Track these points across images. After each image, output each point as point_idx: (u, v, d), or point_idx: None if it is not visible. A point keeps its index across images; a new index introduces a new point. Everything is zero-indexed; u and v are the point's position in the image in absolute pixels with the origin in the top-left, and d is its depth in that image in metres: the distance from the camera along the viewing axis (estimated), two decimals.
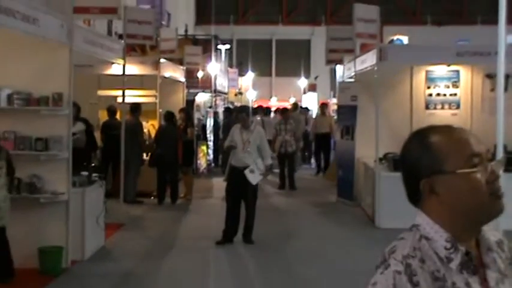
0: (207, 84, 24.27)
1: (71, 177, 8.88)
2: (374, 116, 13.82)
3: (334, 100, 30.68)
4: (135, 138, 13.62)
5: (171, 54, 15.86)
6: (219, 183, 18.12)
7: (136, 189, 14.06)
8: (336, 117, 25.41)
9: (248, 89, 40.77)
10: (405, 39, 21.01)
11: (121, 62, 11.96)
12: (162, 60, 15.41)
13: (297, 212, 13.99)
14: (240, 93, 37.81)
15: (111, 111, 14.42)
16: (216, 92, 26.12)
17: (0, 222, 7.46)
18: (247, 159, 10.45)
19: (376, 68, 11.96)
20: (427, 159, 1.94)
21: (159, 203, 14.29)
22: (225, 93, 30.03)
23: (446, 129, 2.01)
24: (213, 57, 25.56)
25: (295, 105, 26.18)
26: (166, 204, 14.28)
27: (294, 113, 22.70)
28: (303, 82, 45.43)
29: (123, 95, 12.03)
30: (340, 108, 14.97)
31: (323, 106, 22.19)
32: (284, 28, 51.27)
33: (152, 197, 14.71)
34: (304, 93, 43.15)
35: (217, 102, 26.30)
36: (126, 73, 12.65)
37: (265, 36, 51.37)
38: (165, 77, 15.71)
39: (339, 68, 27.51)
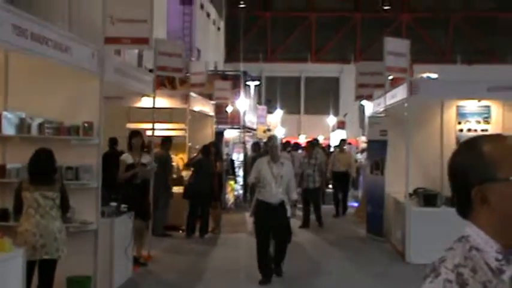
0: (235, 120, 24.33)
1: (100, 207, 8.88)
2: (404, 151, 13.74)
3: (363, 138, 30.62)
4: (165, 171, 13.64)
5: (200, 88, 15.97)
6: (246, 218, 18.11)
7: (165, 222, 14.02)
8: (358, 155, 25.36)
9: (276, 126, 40.85)
10: (434, 77, 20.98)
11: (151, 94, 12.03)
12: (191, 94, 15.49)
13: (326, 247, 13.83)
14: (269, 130, 37.88)
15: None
16: (245, 128, 26.19)
17: (56, 253, 7.38)
18: (281, 194, 9.99)
19: (406, 102, 11.87)
20: (479, 167, 1.88)
21: (187, 236, 14.23)
22: (254, 130, 30.09)
23: (497, 137, 1.96)
24: (242, 93, 25.69)
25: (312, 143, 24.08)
26: (194, 238, 14.21)
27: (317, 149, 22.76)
28: (331, 120, 45.39)
29: (153, 128, 12.06)
30: (370, 143, 14.87)
31: (342, 143, 20.79)
32: (313, 66, 51.49)
33: (181, 231, 14.66)
34: (333, 130, 43.06)
35: (246, 138, 26.33)
36: (155, 106, 12.77)
37: (294, 73, 51.54)
38: (194, 111, 15.76)
39: (368, 105, 27.65)
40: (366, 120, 27.95)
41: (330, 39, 52.07)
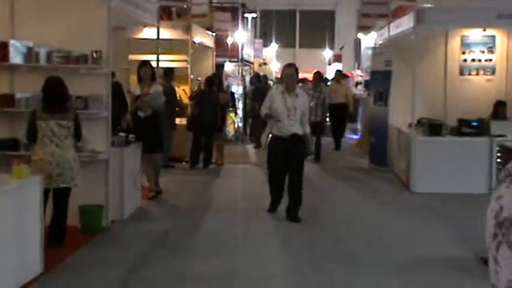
0: (234, 53, 24.16)
1: (110, 136, 8.86)
2: (407, 81, 13.67)
3: (359, 72, 30.48)
4: (169, 103, 13.56)
5: (201, 19, 15.75)
6: (248, 150, 18.18)
7: (169, 154, 14.04)
8: (356, 87, 25.13)
9: (272, 60, 40.59)
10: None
11: (153, 25, 11.89)
12: (193, 25, 15.31)
13: (330, 178, 13.90)
14: (265, 63, 37.70)
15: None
16: (243, 62, 26.03)
17: (72, 182, 7.38)
18: (294, 127, 9.29)
19: (412, 32, 11.75)
20: None
21: (191, 167, 14.29)
22: (251, 63, 29.93)
23: None
24: (240, 26, 25.44)
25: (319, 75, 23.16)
26: (198, 169, 14.28)
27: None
28: (327, 53, 45.17)
29: (158, 60, 11.94)
30: (373, 74, 14.80)
31: (338, 73, 20.15)
32: None
33: (184, 162, 14.70)
34: (329, 64, 42.88)
35: (243, 72, 26.20)
36: (154, 37, 12.65)
37: (289, 6, 50.97)
38: (194, 43, 15.59)
39: (369, 37, 27.32)
40: (362, 53, 27.92)
41: None
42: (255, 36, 35.82)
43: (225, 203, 10.95)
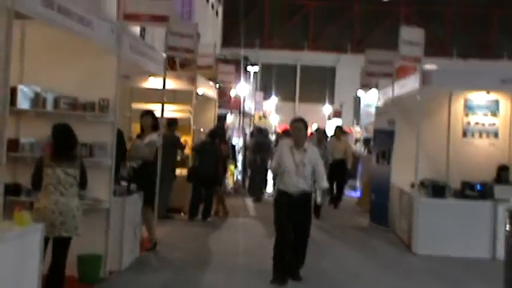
0: (235, 105, 24.22)
1: (112, 185, 8.76)
2: (410, 141, 13.66)
3: (358, 128, 30.56)
4: (171, 152, 13.51)
5: (207, 71, 15.79)
6: (247, 203, 18.04)
7: (168, 205, 13.91)
8: (355, 144, 25.13)
9: (271, 113, 40.71)
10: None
11: (158, 75, 11.88)
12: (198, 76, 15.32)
13: (330, 237, 13.73)
14: (264, 116, 37.80)
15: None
16: (244, 114, 26.08)
17: (75, 231, 7.23)
18: (302, 184, 8.97)
19: (419, 93, 11.76)
20: None
21: (190, 219, 14.14)
22: (251, 116, 30.00)
23: None
24: (243, 78, 25.57)
25: (324, 132, 18.71)
26: (197, 221, 14.13)
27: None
28: (327, 109, 45.39)
29: (162, 109, 11.91)
30: (377, 133, 14.78)
31: (338, 130, 19.48)
32: (309, 54, 51.34)
33: (183, 213, 14.57)
34: (329, 119, 43.03)
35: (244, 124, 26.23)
36: (158, 87, 12.60)
37: (290, 61, 51.39)
38: (198, 94, 15.59)
39: (369, 94, 27.45)
40: (362, 110, 28.04)
41: (327, 29, 51.95)
42: (256, 89, 35.98)
43: (225, 257, 10.78)
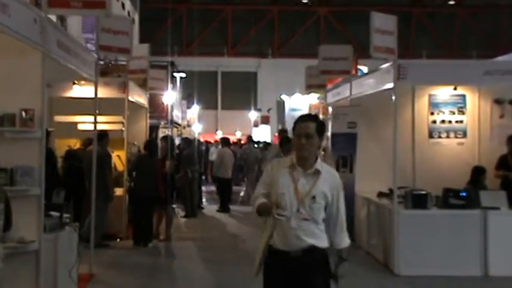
0: (163, 114, 22.31)
1: (43, 219, 6.86)
2: (372, 145, 12.38)
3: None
4: (102, 171, 11.62)
5: (141, 75, 13.82)
6: (180, 221, 16.12)
7: (104, 230, 11.99)
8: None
9: (194, 122, 39.03)
10: (365, 70, 19.54)
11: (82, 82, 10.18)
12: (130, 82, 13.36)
13: None
14: (189, 125, 36.12)
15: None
16: (173, 123, 24.25)
17: None
18: (307, 234, 4.92)
19: (393, 89, 10.20)
20: None
21: (135, 244, 12.31)
22: (179, 125, 28.19)
23: None
24: (170, 86, 23.64)
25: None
26: (140, 248, 12.27)
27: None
28: (253, 115, 43.97)
29: (95, 122, 10.05)
30: (335, 137, 13.20)
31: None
32: (230, 60, 50.11)
33: (118, 239, 12.68)
34: (256, 126, 41.58)
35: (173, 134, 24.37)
36: (84, 96, 11.38)
37: (210, 68, 49.99)
38: (131, 102, 13.66)
39: (293, 98, 26.21)
40: (287, 114, 26.71)
41: (247, 33, 50.72)
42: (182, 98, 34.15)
43: None
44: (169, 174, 13.18)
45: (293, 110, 26.28)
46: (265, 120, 39.47)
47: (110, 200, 12.05)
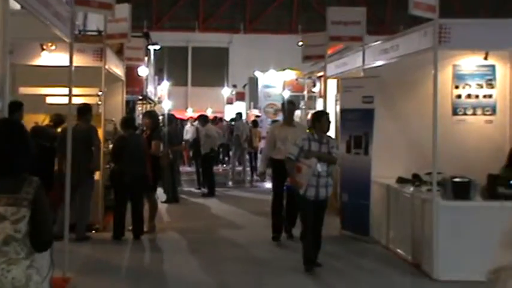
0: (137, 89, 20.46)
1: None
2: (391, 123, 10.89)
3: (255, 111, 27.81)
4: (89, 149, 9.88)
5: (122, 40, 11.84)
6: (161, 208, 14.22)
7: (87, 220, 10.21)
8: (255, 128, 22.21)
9: (164, 98, 37.30)
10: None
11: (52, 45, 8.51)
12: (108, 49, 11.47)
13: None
14: (159, 102, 34.44)
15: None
16: (147, 99, 22.42)
17: None
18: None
19: (433, 53, 8.49)
20: None
21: (115, 238, 10.51)
22: (153, 101, 26.34)
23: None
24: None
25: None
26: (124, 241, 10.54)
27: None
28: (226, 91, 42.24)
29: (70, 94, 8.23)
30: (346, 114, 11.48)
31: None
32: (201, 35, 48.29)
33: (94, 231, 10.91)
34: (230, 103, 39.84)
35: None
36: (56, 64, 10.10)
37: (181, 43, 48.18)
38: (109, 72, 11.80)
39: (267, 75, 24.74)
40: (260, 91, 25.17)
41: (218, 8, 48.81)
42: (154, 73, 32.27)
43: None
44: (155, 156, 11.30)
45: (266, 86, 25.49)
46: (240, 96, 37.73)
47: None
